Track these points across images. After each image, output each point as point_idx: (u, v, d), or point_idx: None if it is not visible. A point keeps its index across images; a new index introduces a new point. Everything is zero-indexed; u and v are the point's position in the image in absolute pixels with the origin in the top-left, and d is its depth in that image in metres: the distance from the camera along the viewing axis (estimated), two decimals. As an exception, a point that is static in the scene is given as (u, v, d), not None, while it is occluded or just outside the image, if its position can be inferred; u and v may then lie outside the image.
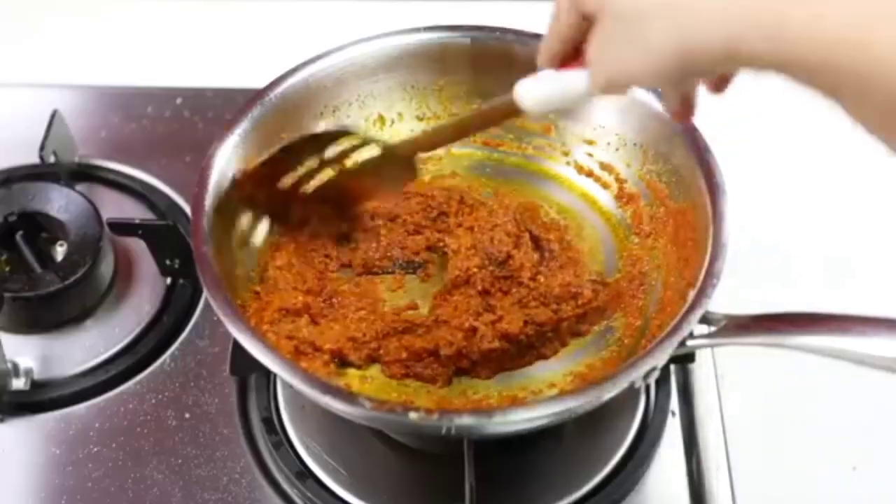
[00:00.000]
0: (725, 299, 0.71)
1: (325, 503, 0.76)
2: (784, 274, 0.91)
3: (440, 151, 0.88)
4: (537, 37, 0.82)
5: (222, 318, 0.67)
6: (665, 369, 0.81)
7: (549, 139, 0.87)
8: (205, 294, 0.69)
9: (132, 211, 0.94)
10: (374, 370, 0.76)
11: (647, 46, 0.54)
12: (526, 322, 0.76)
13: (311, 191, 0.78)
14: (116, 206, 0.94)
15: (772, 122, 1.04)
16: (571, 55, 0.63)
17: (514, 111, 0.68)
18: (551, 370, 0.76)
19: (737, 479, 0.78)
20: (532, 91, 0.66)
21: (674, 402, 0.82)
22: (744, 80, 1.15)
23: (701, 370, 0.84)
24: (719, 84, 0.62)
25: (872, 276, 0.93)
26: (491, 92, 0.85)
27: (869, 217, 0.96)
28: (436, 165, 0.88)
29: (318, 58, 0.82)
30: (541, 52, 0.64)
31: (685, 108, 0.63)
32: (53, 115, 0.95)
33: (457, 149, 0.89)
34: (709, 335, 0.69)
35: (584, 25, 0.60)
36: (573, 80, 0.63)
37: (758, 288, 0.86)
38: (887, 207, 0.96)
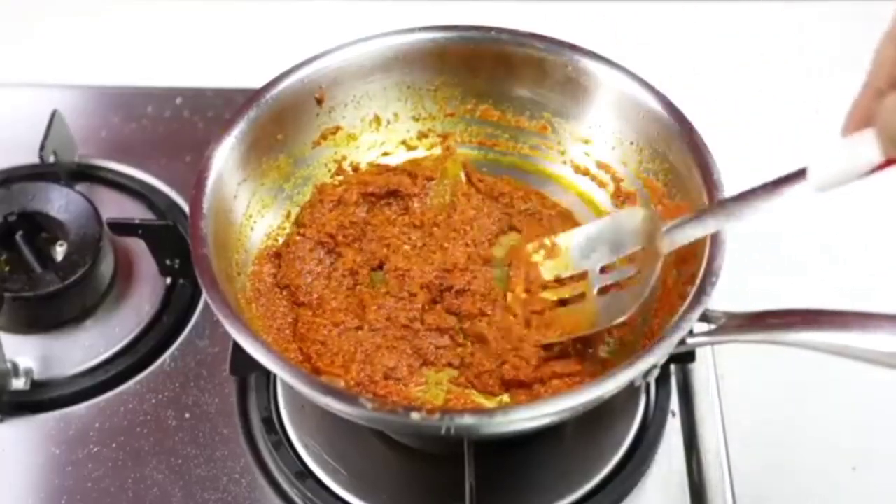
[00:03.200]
0: (724, 297, 0.71)
1: (325, 503, 0.76)
2: (783, 271, 0.91)
3: (437, 151, 0.88)
4: (533, 37, 0.83)
5: (221, 319, 0.67)
6: (665, 369, 0.81)
7: (546, 138, 0.87)
8: (204, 294, 0.69)
9: (132, 211, 0.94)
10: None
11: None
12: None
13: None
14: (116, 206, 0.94)
15: (769, 120, 1.04)
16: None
17: None
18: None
19: (737, 479, 0.78)
20: (827, 169, 0.59)
21: (674, 402, 0.82)
22: (740, 79, 1.15)
23: (701, 370, 0.84)
24: None
25: (872, 272, 0.92)
26: (486, 92, 0.86)
27: (869, 213, 0.96)
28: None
29: (314, 59, 0.82)
30: (850, 116, 0.57)
31: None
32: (53, 115, 0.95)
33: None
34: (709, 333, 0.69)
35: None
36: (864, 145, 0.55)
37: (757, 285, 0.86)
38: (887, 204, 0.96)
